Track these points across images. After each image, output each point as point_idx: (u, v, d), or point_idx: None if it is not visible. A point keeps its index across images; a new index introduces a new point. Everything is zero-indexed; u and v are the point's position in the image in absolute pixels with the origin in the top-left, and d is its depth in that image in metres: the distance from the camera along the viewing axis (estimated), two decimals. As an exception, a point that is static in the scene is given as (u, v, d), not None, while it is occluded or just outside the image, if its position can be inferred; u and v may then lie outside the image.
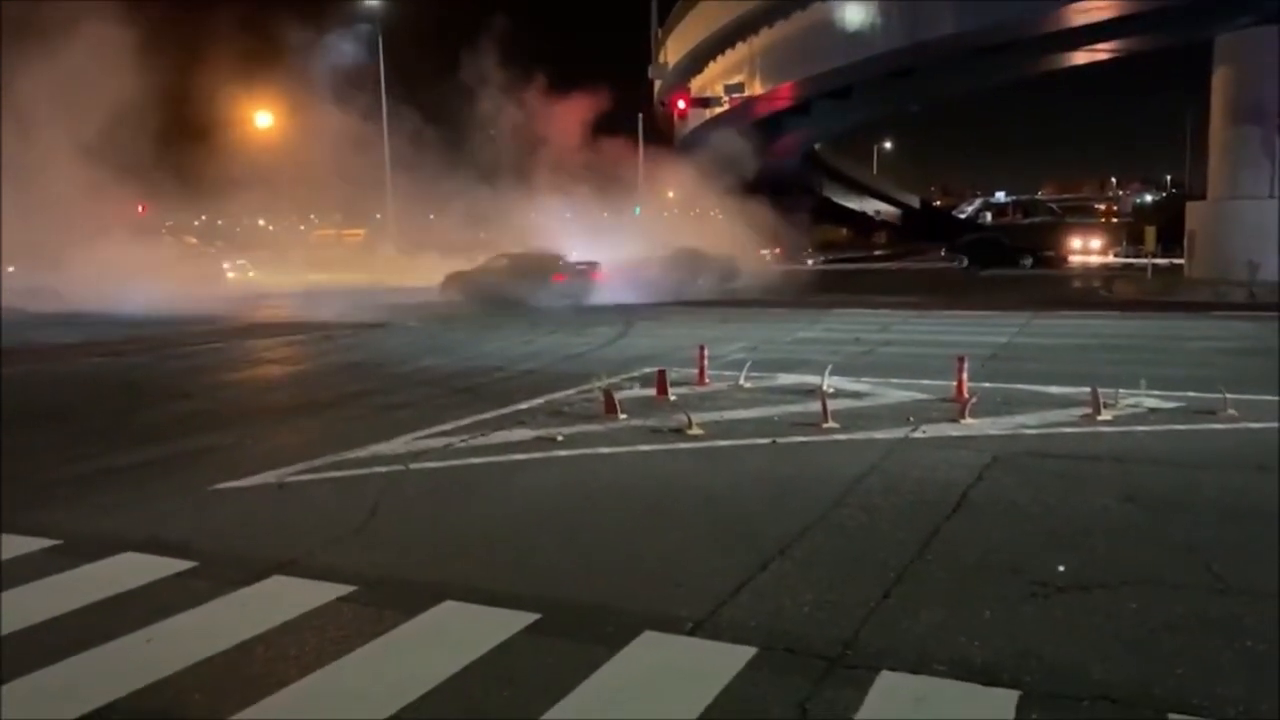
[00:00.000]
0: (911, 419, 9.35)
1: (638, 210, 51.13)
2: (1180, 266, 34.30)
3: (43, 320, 21.89)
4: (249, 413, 10.84)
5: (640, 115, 55.35)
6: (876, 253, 64.57)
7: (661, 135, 60.81)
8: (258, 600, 5.07)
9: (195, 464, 8.16)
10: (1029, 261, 45.54)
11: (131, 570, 5.51)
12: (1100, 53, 42.39)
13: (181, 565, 5.59)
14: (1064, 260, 47.23)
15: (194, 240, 51.60)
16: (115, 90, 26.86)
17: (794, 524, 6.13)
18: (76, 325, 21.00)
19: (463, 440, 8.78)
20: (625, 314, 22.44)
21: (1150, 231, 36.12)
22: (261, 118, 40.44)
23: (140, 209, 39.54)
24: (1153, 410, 9.62)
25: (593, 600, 4.99)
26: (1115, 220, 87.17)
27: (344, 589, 5.14)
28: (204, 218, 59.73)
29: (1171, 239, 35.76)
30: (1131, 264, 41.77)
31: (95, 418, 10.57)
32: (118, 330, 19.91)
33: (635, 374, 12.56)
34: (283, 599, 5.05)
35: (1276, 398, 10.08)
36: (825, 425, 9.04)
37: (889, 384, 11.44)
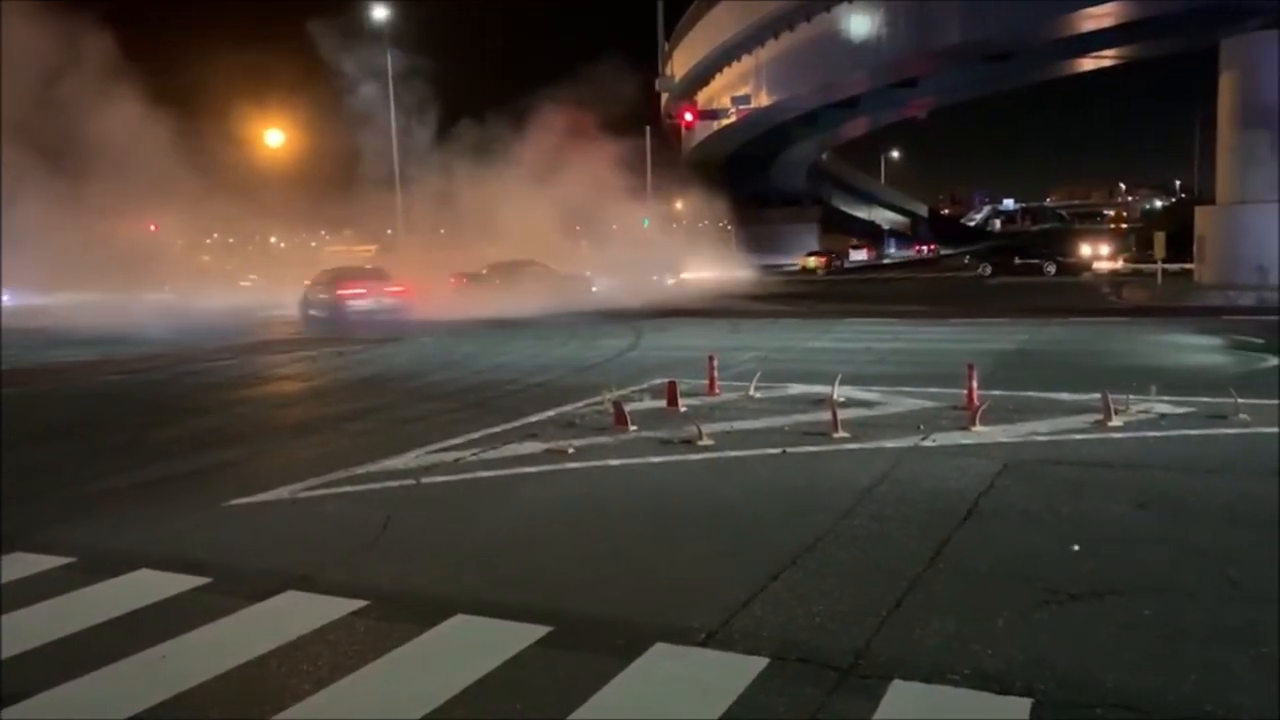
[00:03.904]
0: (922, 427, 9.34)
1: (646, 222, 51.22)
2: (1190, 272, 34.21)
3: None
4: (261, 428, 10.89)
5: (648, 128, 55.48)
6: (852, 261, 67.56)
7: (670, 146, 60.96)
8: (271, 615, 5.09)
9: (208, 480, 8.20)
10: (1052, 269, 45.72)
11: (146, 587, 5.54)
12: (1107, 59, 42.40)
13: (196, 581, 5.61)
14: (1086, 267, 47.29)
15: (207, 258, 51.89)
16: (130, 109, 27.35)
17: (805, 534, 6.13)
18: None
19: (474, 454, 8.81)
20: (634, 324, 22.49)
21: (1159, 237, 35.97)
22: (272, 135, 40.69)
23: (152, 227, 39.85)
24: (1164, 416, 9.58)
25: (604, 612, 4.99)
26: (1124, 226, 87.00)
27: (356, 603, 5.15)
28: (215, 236, 60.10)
29: (1181, 244, 35.64)
30: (1140, 270, 41.69)
31: (108, 435, 10.64)
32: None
33: (645, 385, 12.58)
34: (296, 614, 5.07)
35: (1289, 402, 10.03)
36: (836, 435, 9.04)
37: (899, 392, 11.43)
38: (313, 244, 53.80)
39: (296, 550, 6.18)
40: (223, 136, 35.61)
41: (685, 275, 44.92)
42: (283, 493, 7.63)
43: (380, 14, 38.27)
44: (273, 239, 56.63)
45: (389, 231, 45.31)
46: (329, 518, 6.99)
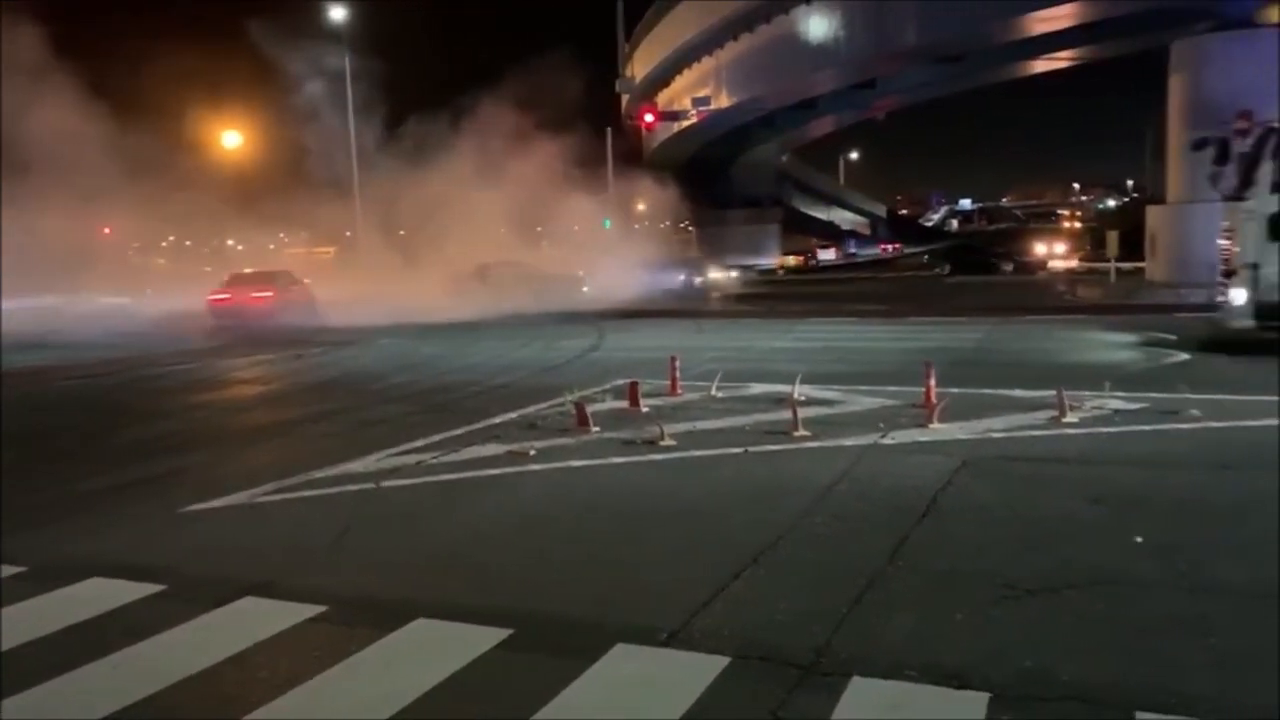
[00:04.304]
0: (881, 425, 9.42)
1: (607, 223, 51.26)
2: (1143, 270, 34.76)
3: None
4: (220, 433, 10.76)
5: (609, 129, 55.46)
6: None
7: (632, 147, 61.00)
8: (229, 622, 5.03)
9: (166, 486, 8.08)
10: (1009, 267, 46.71)
11: (99, 595, 5.44)
12: (1060, 60, 43.00)
13: (151, 589, 5.52)
14: (1042, 266, 48.19)
15: (162, 261, 51.18)
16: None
17: (766, 533, 6.15)
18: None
19: (435, 457, 8.75)
20: (597, 325, 22.48)
21: (1112, 236, 36.59)
22: (229, 137, 40.20)
23: (105, 230, 39.24)
24: (1118, 412, 9.73)
25: (566, 614, 4.99)
26: (1079, 225, 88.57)
27: (315, 609, 5.10)
28: (172, 238, 59.32)
29: (1134, 243, 36.24)
30: (1095, 268, 42.34)
31: (63, 441, 10.46)
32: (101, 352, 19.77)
33: (608, 386, 12.56)
34: (254, 620, 5.01)
35: (1236, 397, 10.24)
36: (797, 433, 9.09)
37: (859, 391, 11.51)
38: (270, 246, 53.10)
39: (255, 556, 6.11)
40: (177, 138, 35.16)
41: (714, 275, 46.42)
42: (241, 498, 7.54)
43: (338, 14, 37.91)
44: (230, 241, 55.93)
45: (347, 234, 44.87)
46: (288, 523, 6.92)
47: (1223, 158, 16.48)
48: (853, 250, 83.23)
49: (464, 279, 31.82)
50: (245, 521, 7.00)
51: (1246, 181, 14.46)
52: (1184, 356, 14.33)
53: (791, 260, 67.76)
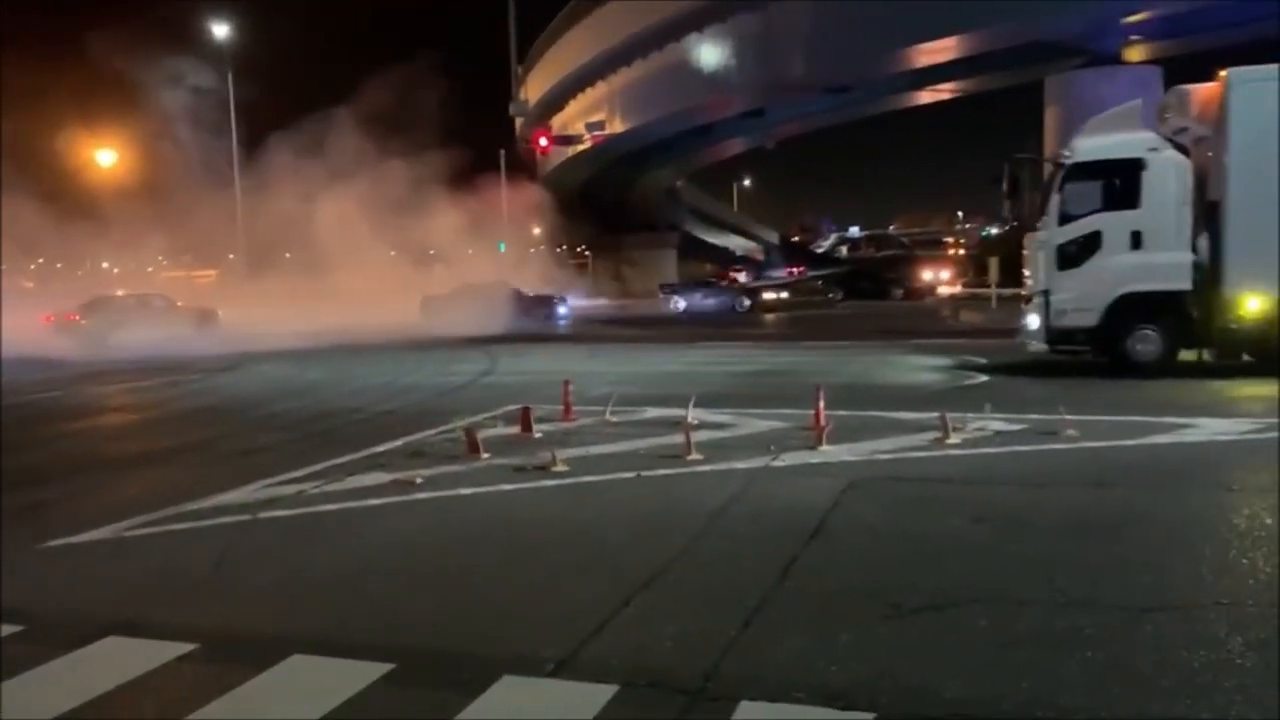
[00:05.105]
0: (772, 447, 9.50)
1: (502, 246, 51.03)
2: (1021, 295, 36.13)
3: None
4: (86, 464, 10.24)
5: (503, 151, 55.34)
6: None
7: (528, 171, 60.91)
8: (91, 663, 4.74)
9: (25, 520, 7.62)
10: (900, 293, 48.16)
11: (-54, 639, 5.08)
12: (944, 92, 44.58)
13: (7, 630, 5.17)
14: (930, 291, 49.90)
15: (30, 284, 48.94)
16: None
17: (657, 557, 6.11)
18: None
19: (316, 486, 8.47)
20: (489, 349, 22.25)
21: (994, 262, 38.02)
22: (103, 155, 38.77)
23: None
24: (999, 433, 10.01)
25: (450, 646, 4.84)
26: (963, 252, 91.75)
27: (185, 647, 4.85)
28: (41, 261, 56.81)
29: (1014, 269, 37.69)
30: (977, 294, 43.86)
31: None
32: None
33: (499, 411, 12.40)
34: (118, 660, 4.73)
35: (1112, 417, 10.65)
36: (689, 457, 9.09)
37: (750, 414, 11.60)
38: (149, 269, 51.19)
39: (121, 593, 5.80)
40: (45, 155, 33.77)
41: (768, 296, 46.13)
42: (106, 532, 7.16)
43: (221, 31, 36.96)
44: (104, 264, 53.80)
45: (230, 256, 43.59)
46: (157, 557, 6.59)
47: (1013, 190, 17.49)
48: (758, 273, 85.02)
49: (441, 300, 32.09)
50: (111, 556, 6.64)
51: (1040, 212, 15.14)
52: (983, 379, 15.14)
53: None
